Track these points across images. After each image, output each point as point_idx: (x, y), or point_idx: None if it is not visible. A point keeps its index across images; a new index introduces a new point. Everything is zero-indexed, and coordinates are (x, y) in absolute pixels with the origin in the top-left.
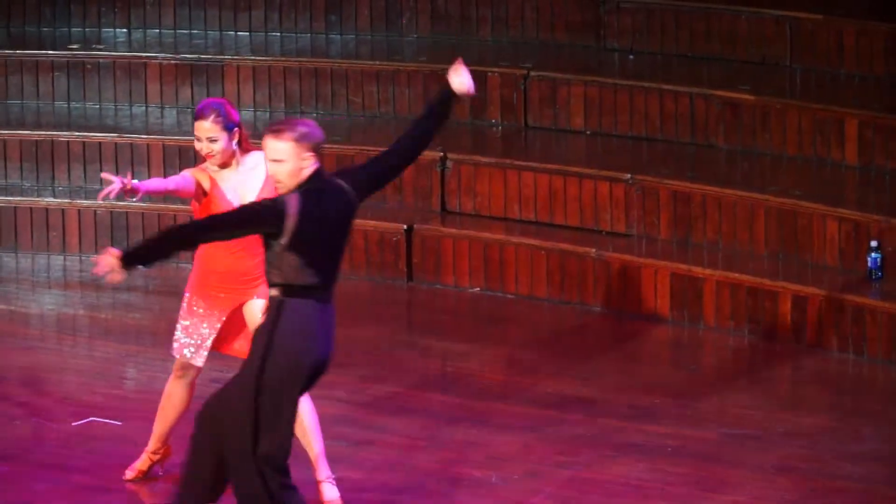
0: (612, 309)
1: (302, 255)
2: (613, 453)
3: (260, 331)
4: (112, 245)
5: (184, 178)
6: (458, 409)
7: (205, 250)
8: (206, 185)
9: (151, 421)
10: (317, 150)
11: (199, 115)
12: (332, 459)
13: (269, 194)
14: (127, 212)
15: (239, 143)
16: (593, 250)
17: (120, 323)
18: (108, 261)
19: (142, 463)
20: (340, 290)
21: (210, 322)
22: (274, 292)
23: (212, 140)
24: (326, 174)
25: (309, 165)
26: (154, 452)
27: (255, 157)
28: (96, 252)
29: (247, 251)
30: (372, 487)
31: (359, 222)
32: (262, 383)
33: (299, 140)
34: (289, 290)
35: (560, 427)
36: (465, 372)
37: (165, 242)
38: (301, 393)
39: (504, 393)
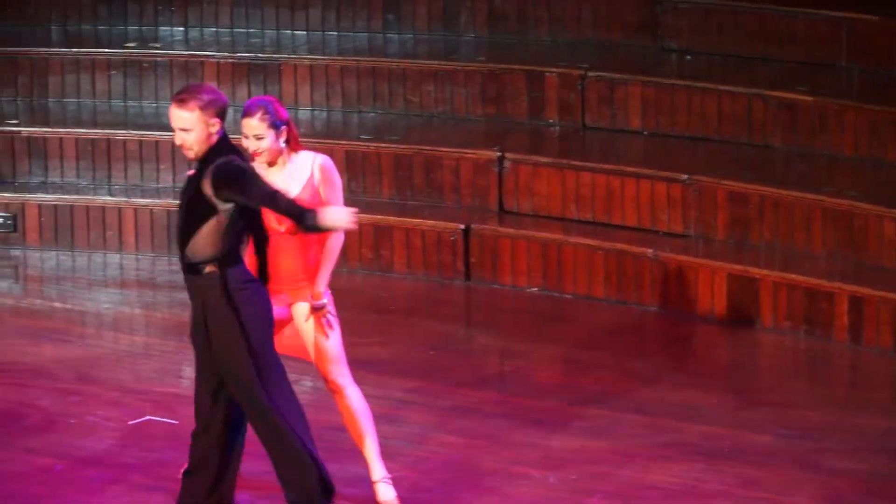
0: (669, 309)
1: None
2: (670, 453)
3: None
4: (169, 245)
5: None
6: (516, 409)
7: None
8: None
9: None
10: (222, 115)
11: (246, 113)
12: (389, 458)
13: (308, 194)
14: None
15: (287, 141)
16: (650, 250)
17: (176, 322)
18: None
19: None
20: (399, 290)
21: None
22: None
23: (258, 137)
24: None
25: (216, 131)
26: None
27: (303, 157)
28: (153, 251)
29: (288, 251)
30: (428, 487)
31: (416, 222)
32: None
33: (204, 107)
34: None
35: (617, 427)
36: (522, 371)
37: None
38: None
39: (561, 393)
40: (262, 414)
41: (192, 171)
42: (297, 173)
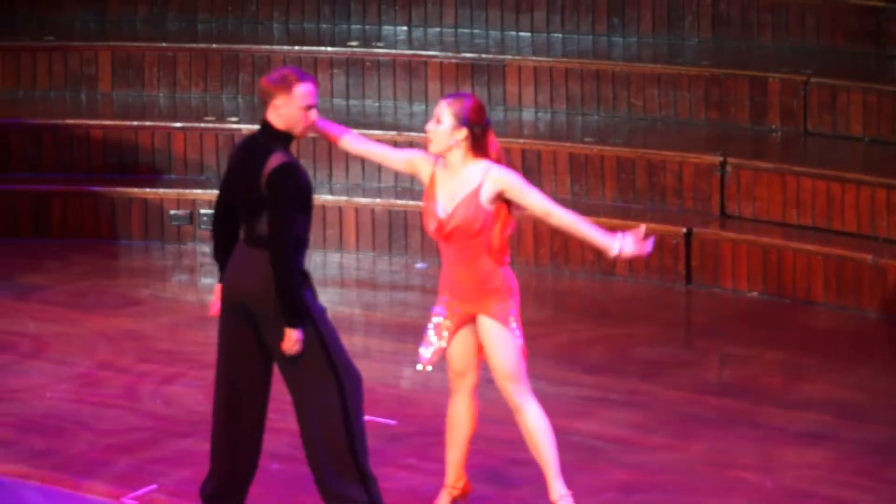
0: (889, 315)
1: None
2: (887, 460)
3: None
4: (390, 244)
5: (399, 151)
6: (734, 413)
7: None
8: (425, 179)
9: (428, 422)
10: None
11: (448, 96)
12: (606, 461)
13: (465, 209)
14: (405, 211)
15: (477, 145)
16: (870, 256)
17: (396, 322)
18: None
19: (441, 500)
20: (620, 292)
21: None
22: None
23: (438, 121)
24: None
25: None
26: (453, 486)
27: (480, 167)
28: (373, 250)
29: (460, 261)
30: (645, 489)
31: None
32: None
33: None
34: None
35: (836, 432)
36: (740, 375)
37: None
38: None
39: (780, 397)
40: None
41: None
42: (466, 184)
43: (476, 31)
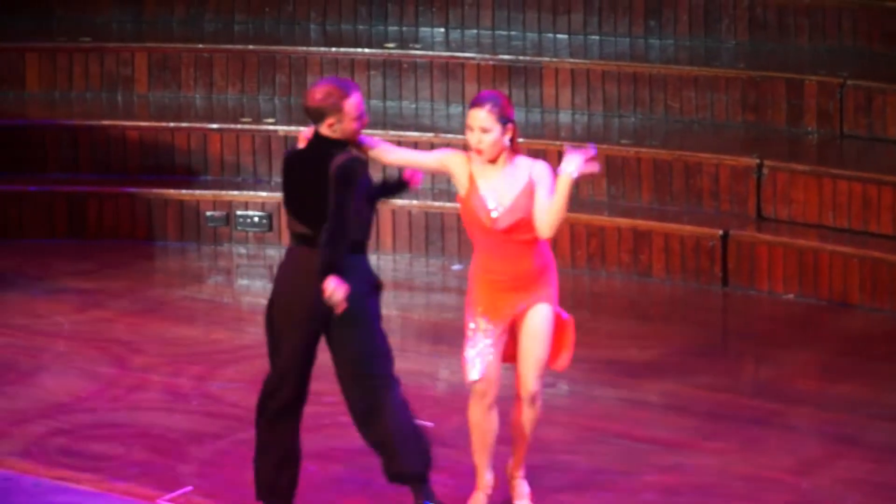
0: None
1: None
2: None
3: None
4: (427, 246)
5: (430, 153)
6: (771, 415)
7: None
8: (463, 177)
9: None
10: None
11: (474, 104)
12: (642, 462)
13: (525, 201)
14: (442, 212)
15: (511, 141)
16: None
17: (432, 324)
18: None
19: (474, 502)
20: (657, 294)
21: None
22: None
23: (484, 130)
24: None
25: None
26: (489, 487)
27: (523, 161)
28: (410, 252)
29: (519, 255)
30: (683, 490)
31: (675, 227)
32: None
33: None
34: None
35: (872, 434)
36: (777, 377)
37: None
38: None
39: (816, 399)
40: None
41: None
42: (516, 177)
43: (513, 32)
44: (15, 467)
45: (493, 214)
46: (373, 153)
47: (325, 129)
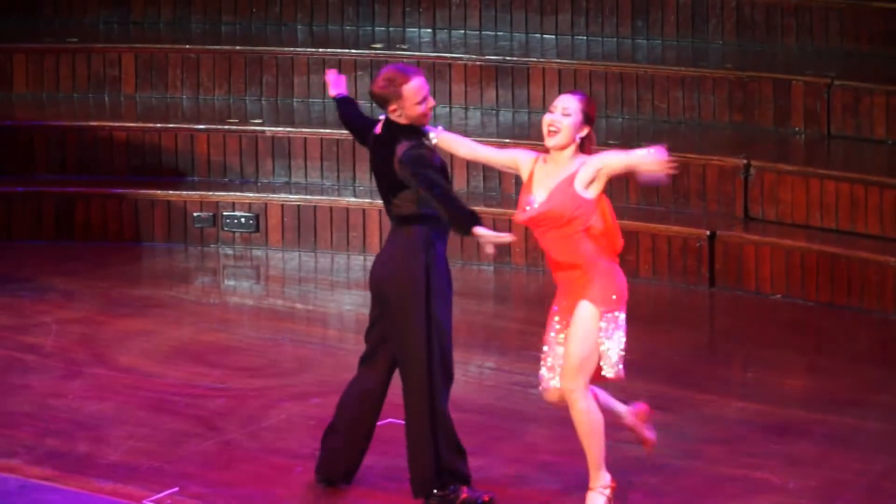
0: None
1: None
2: None
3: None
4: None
5: (503, 151)
6: (758, 416)
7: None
8: (525, 175)
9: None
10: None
11: (569, 92)
12: (632, 464)
13: (559, 193)
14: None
15: (583, 142)
16: (893, 259)
17: None
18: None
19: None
20: (644, 295)
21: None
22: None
23: (566, 114)
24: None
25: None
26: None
27: (579, 159)
28: None
29: (562, 250)
30: (669, 491)
31: (662, 227)
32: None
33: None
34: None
35: (859, 435)
36: (765, 378)
37: None
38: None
39: (804, 400)
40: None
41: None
42: (563, 173)
43: (500, 33)
44: (1, 468)
45: (527, 208)
46: (444, 145)
47: (392, 116)
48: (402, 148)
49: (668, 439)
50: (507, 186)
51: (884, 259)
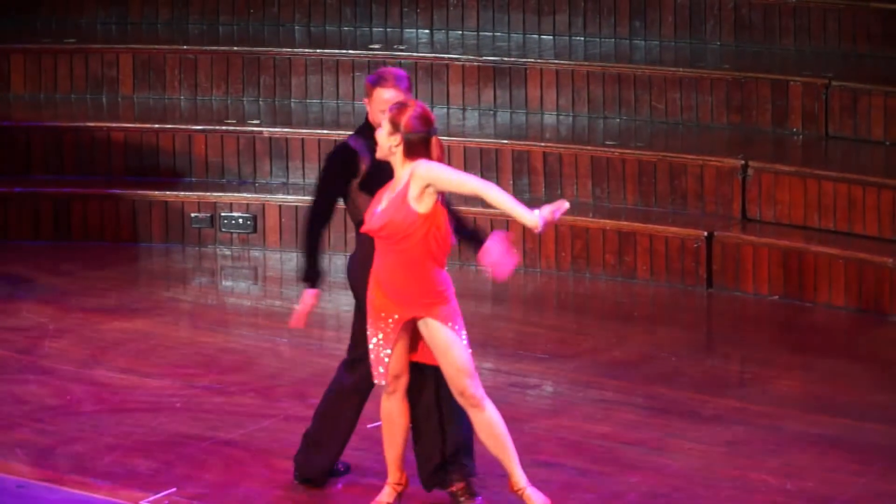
0: None
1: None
2: None
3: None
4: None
5: None
6: (755, 416)
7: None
8: None
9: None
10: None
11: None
12: (629, 465)
13: (397, 205)
14: None
15: (408, 152)
16: (891, 260)
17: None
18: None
19: (385, 496)
20: (641, 295)
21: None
22: None
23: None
24: None
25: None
26: (397, 483)
27: (408, 167)
28: None
29: (401, 264)
30: (666, 492)
31: (659, 228)
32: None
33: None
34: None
35: (856, 435)
36: (762, 379)
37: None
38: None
39: (801, 400)
40: None
41: None
42: (397, 184)
43: (498, 34)
44: None
45: (372, 216)
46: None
47: (366, 106)
48: (342, 141)
49: (665, 439)
50: (505, 186)
51: (881, 260)
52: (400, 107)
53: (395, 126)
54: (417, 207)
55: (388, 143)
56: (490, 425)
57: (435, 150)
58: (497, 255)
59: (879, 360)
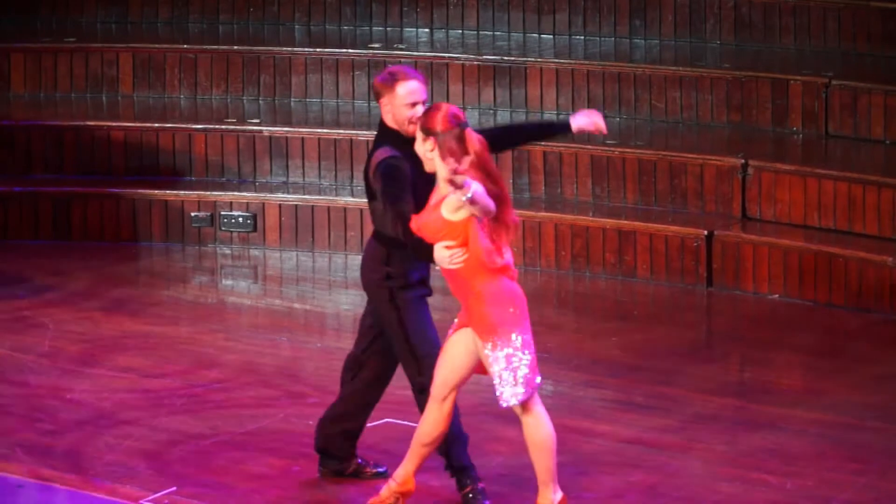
0: None
1: None
2: None
3: None
4: None
5: None
6: (755, 415)
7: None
8: None
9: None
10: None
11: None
12: (630, 464)
13: (430, 211)
14: None
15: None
16: (891, 259)
17: None
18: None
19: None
20: (641, 294)
21: None
22: None
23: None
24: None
25: None
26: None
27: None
28: None
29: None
30: (666, 491)
31: (659, 227)
32: None
33: None
34: None
35: (856, 435)
36: (762, 378)
37: None
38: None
39: (801, 400)
40: None
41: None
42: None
43: (498, 33)
44: None
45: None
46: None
47: (382, 111)
48: (380, 155)
49: (665, 438)
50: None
51: (881, 259)
52: (425, 113)
53: (426, 131)
54: (447, 214)
55: (422, 150)
56: (435, 422)
57: (472, 145)
58: (586, 115)
59: (880, 359)
